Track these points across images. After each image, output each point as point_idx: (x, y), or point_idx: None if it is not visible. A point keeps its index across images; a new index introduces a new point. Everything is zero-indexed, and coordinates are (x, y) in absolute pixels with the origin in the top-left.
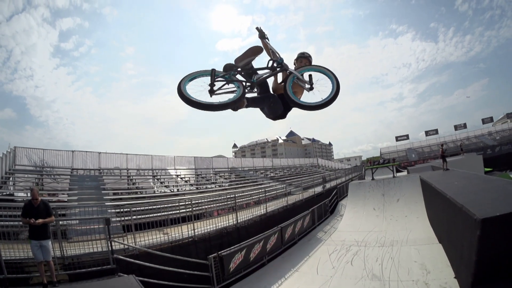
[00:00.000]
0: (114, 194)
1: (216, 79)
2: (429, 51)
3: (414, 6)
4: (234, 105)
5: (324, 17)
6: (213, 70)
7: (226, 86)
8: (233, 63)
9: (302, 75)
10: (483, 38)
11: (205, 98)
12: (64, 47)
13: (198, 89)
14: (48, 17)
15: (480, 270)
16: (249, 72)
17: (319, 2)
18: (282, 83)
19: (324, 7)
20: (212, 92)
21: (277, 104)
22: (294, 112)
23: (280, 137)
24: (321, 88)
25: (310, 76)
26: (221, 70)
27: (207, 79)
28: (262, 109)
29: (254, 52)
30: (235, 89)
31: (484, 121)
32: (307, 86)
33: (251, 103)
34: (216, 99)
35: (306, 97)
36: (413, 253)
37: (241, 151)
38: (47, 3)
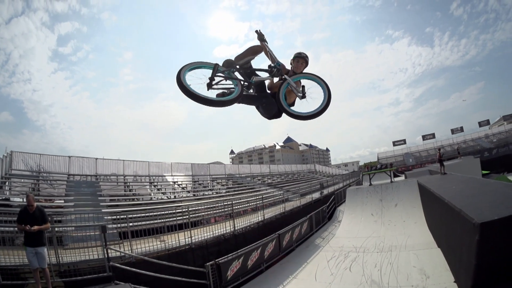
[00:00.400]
0: (111, 200)
1: (217, 74)
2: (425, 55)
3: (410, 12)
4: (231, 103)
5: (321, 23)
6: (216, 64)
7: (224, 82)
8: (233, 59)
9: (299, 81)
10: (478, 41)
11: (201, 90)
12: (62, 52)
13: (197, 82)
14: (47, 21)
15: (480, 274)
16: (248, 71)
17: (316, 8)
18: (278, 81)
19: (321, 14)
20: (210, 86)
21: (270, 104)
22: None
23: (277, 143)
24: (315, 95)
25: (303, 87)
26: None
27: (206, 72)
28: (257, 108)
29: (253, 51)
30: (232, 86)
31: (480, 124)
32: (300, 94)
33: (245, 99)
34: (211, 93)
35: (299, 104)
36: (412, 258)
37: (239, 157)
38: (46, 7)
